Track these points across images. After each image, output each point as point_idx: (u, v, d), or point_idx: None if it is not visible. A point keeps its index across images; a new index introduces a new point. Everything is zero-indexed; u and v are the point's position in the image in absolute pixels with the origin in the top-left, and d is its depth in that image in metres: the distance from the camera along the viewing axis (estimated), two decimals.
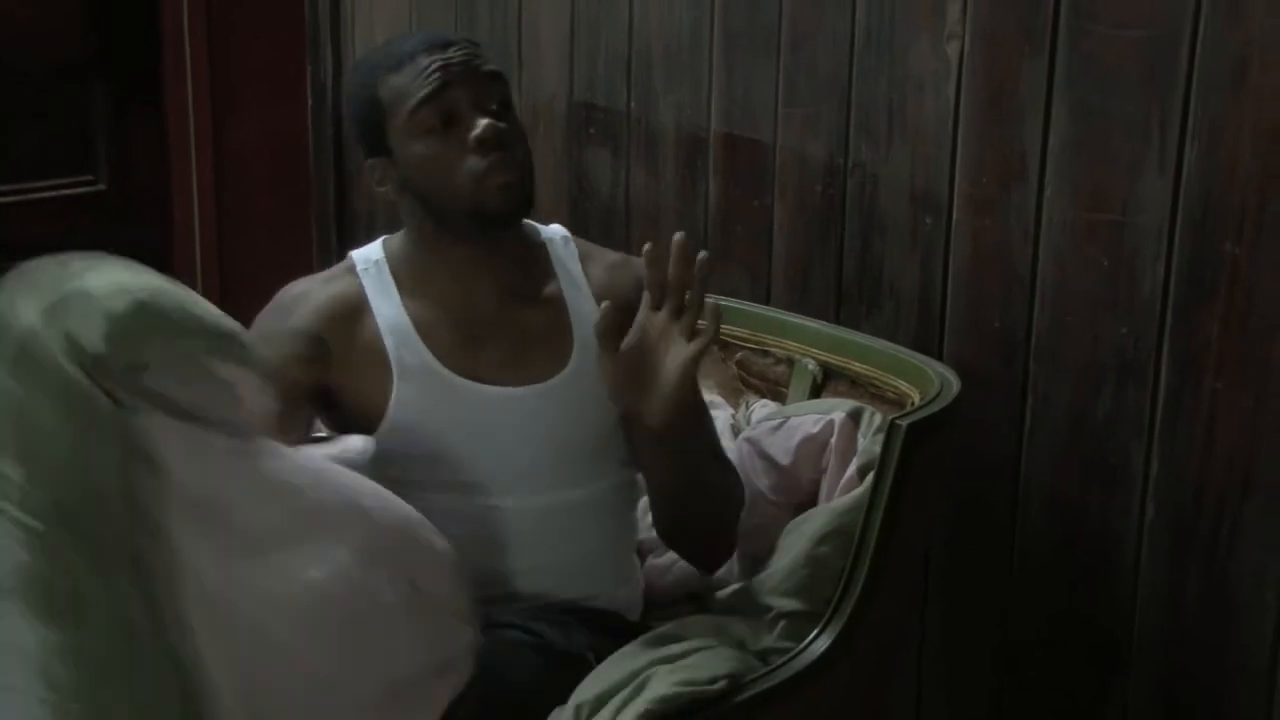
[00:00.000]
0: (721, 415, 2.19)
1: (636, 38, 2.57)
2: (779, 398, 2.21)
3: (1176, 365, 1.90)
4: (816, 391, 2.16)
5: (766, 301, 2.39)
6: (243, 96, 3.52)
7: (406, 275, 1.92)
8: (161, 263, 3.39)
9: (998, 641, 2.18)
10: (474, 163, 1.83)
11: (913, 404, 1.97)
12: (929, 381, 1.98)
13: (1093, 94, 1.94)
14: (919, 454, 1.83)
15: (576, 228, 2.73)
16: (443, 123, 1.84)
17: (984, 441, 2.12)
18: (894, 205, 2.21)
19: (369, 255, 1.96)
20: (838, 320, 2.28)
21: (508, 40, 2.81)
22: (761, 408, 2.20)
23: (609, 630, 1.88)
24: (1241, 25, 1.78)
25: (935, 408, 1.91)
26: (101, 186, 3.41)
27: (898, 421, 1.84)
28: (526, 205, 1.88)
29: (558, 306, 1.94)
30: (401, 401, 1.86)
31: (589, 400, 1.87)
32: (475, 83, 1.86)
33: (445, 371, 1.87)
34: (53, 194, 3.35)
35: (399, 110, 1.86)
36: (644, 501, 2.04)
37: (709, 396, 2.12)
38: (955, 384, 1.96)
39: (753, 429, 2.12)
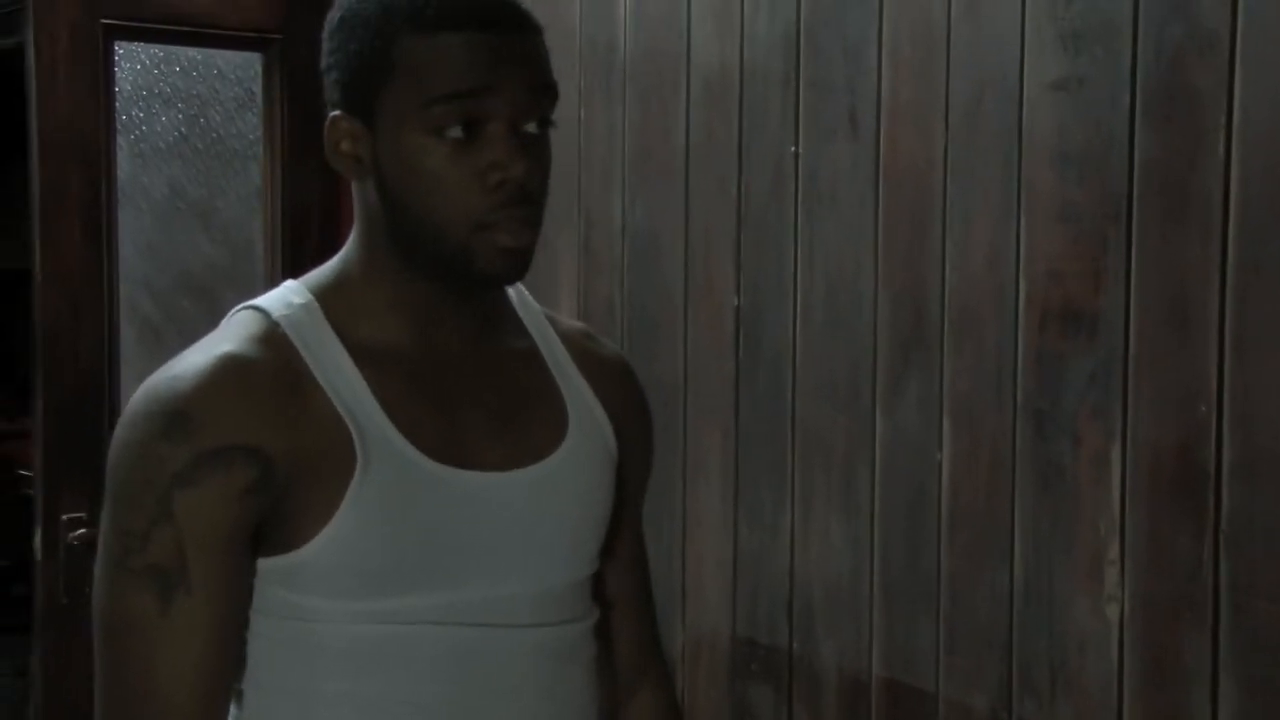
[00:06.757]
0: None
1: (798, 578, 2.59)
2: None
3: None
4: None
5: None
6: None
7: (349, 321, 1.43)
8: None
9: None
10: (485, 204, 1.38)
11: None
12: None
13: (1260, 669, 1.89)
14: None
15: None
16: (464, 128, 1.37)
17: None
18: None
19: (286, 301, 1.43)
20: None
21: (671, 569, 2.85)
22: None
23: None
24: None
25: None
26: None
27: None
28: (524, 273, 1.42)
29: (536, 360, 1.52)
30: (362, 503, 1.37)
31: (592, 481, 1.50)
32: (524, 91, 1.38)
33: (420, 457, 1.40)
34: None
35: (410, 88, 1.37)
36: None
37: None
38: None
39: None
